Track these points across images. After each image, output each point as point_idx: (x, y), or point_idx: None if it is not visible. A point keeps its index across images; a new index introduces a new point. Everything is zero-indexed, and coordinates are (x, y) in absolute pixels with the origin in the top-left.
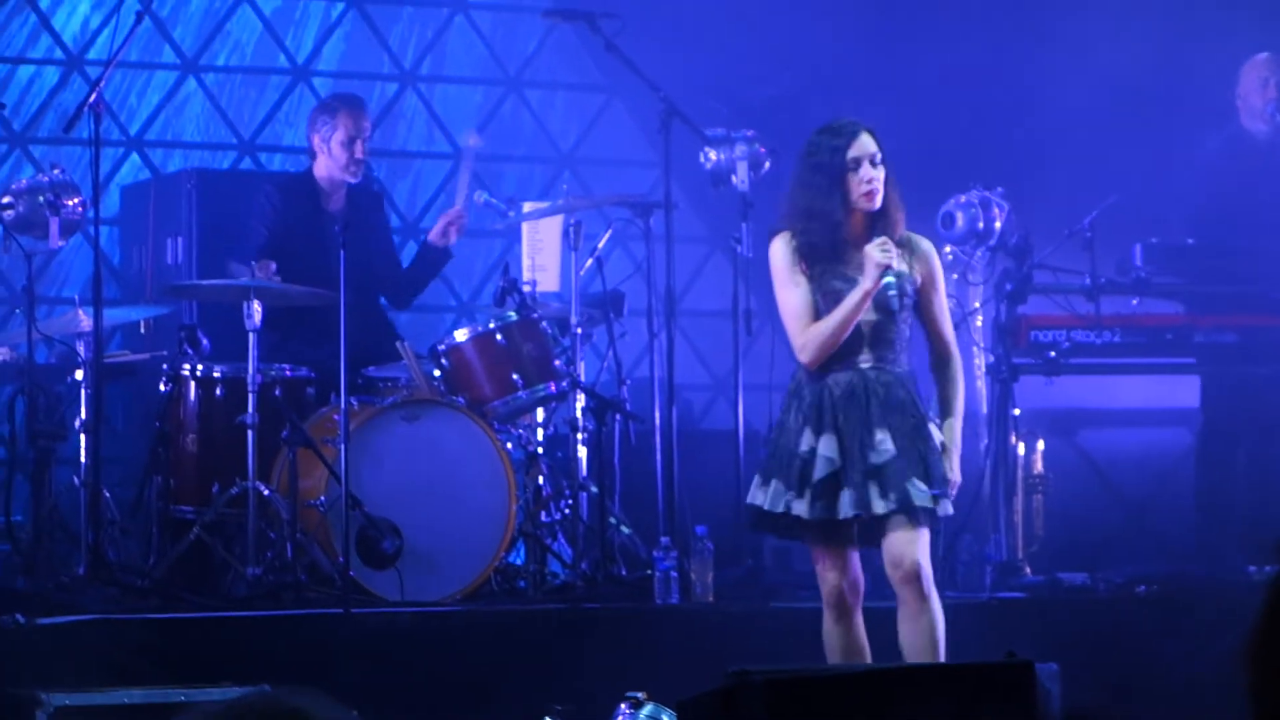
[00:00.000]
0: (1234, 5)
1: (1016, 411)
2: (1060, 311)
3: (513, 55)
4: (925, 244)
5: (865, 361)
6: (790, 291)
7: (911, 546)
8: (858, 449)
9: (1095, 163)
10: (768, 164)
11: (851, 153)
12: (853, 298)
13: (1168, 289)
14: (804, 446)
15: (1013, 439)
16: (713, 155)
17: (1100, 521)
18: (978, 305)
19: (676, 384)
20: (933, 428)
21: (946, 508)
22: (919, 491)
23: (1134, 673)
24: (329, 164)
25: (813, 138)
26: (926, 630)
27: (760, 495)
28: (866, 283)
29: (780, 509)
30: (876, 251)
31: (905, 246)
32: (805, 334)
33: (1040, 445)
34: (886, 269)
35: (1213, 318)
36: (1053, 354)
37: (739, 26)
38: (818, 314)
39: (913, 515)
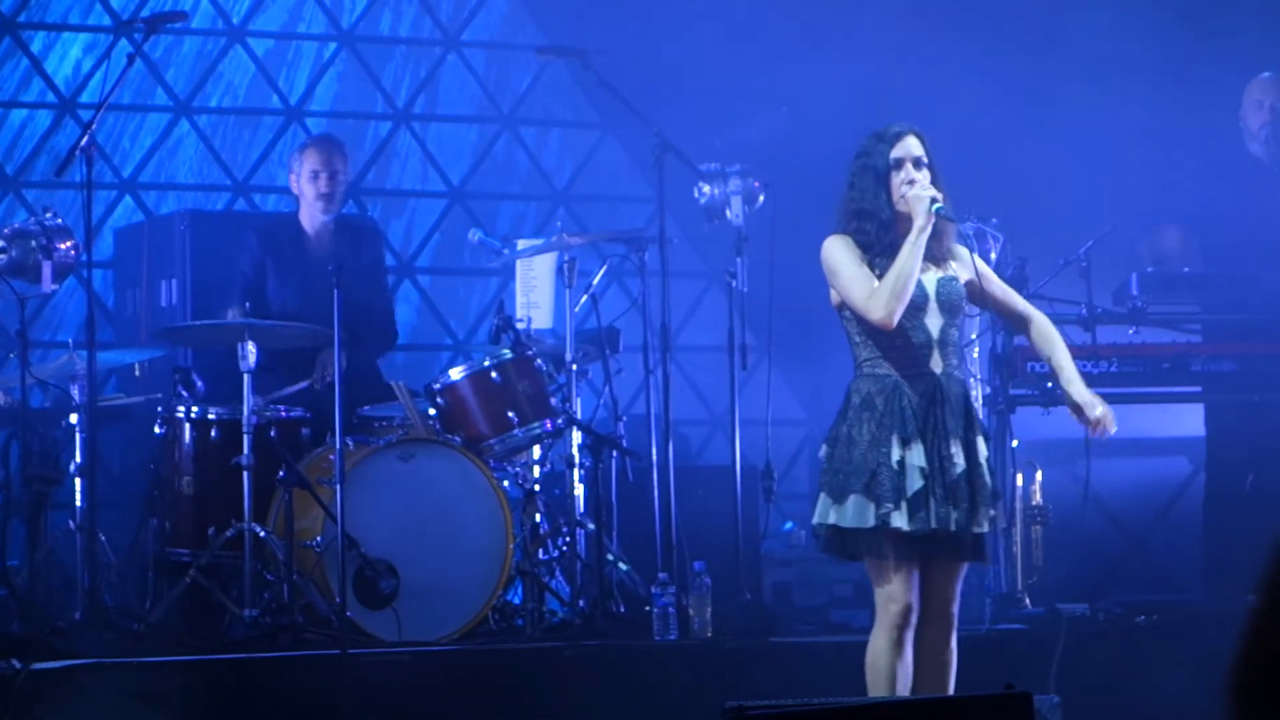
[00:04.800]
0: (1233, 32)
1: (1014, 443)
2: None
3: (506, 93)
4: (960, 249)
5: (936, 366)
6: (852, 268)
7: (958, 581)
8: (939, 460)
9: (1091, 192)
10: (762, 198)
11: (895, 153)
12: (909, 240)
13: (1165, 318)
14: (894, 457)
15: (1011, 470)
16: (707, 190)
17: (1100, 552)
18: (974, 336)
19: (673, 419)
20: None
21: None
22: (987, 516)
23: (1135, 704)
24: (304, 204)
25: (864, 141)
26: (947, 669)
27: (835, 514)
28: (919, 220)
29: (872, 523)
30: (918, 189)
31: (950, 258)
32: (874, 291)
33: (1039, 476)
34: (932, 200)
35: (1211, 346)
36: (1050, 384)
37: (731, 62)
38: None
39: (976, 544)
